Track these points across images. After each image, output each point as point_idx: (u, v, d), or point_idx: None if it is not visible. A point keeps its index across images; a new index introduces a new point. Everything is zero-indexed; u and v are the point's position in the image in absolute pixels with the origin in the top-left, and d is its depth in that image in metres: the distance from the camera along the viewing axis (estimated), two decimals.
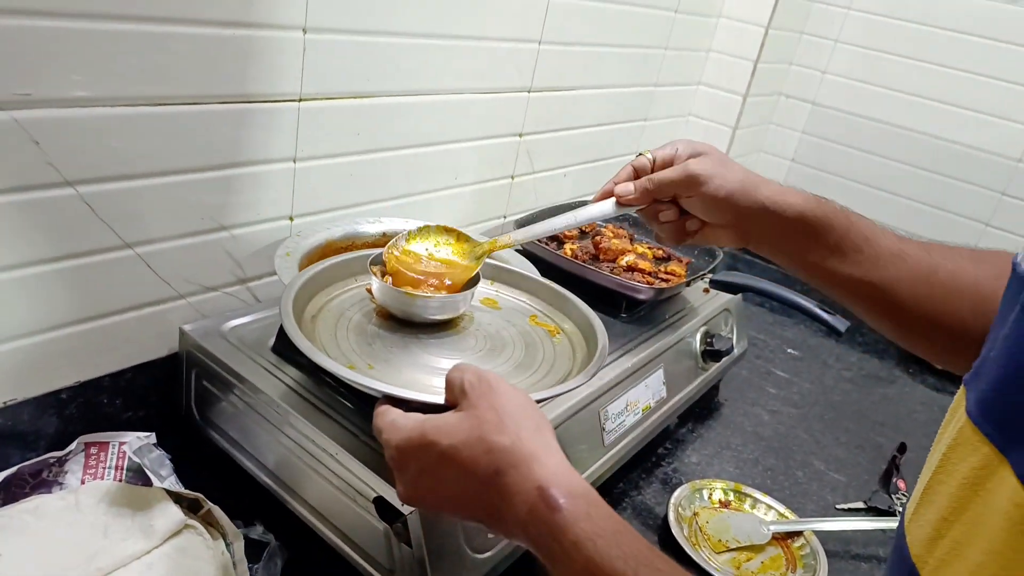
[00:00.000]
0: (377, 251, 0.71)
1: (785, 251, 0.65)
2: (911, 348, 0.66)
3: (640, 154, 0.68)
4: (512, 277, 0.80)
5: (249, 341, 0.77)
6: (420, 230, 0.73)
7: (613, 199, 0.69)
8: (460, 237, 0.74)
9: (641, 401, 0.90)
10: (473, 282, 0.69)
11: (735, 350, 1.09)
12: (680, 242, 0.71)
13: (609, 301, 1.00)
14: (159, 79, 0.66)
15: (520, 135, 1.14)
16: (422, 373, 0.62)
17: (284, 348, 0.76)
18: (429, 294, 0.67)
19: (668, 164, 0.67)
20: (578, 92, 1.23)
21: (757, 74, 1.53)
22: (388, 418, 0.51)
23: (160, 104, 0.67)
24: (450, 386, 0.51)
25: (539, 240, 1.10)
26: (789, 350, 1.39)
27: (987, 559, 0.39)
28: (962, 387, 0.46)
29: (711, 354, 1.04)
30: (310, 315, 0.66)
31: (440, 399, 0.52)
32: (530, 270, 0.85)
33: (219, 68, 0.70)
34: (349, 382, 0.56)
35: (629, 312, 1.00)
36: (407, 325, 0.67)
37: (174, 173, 0.71)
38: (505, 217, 1.21)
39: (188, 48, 0.67)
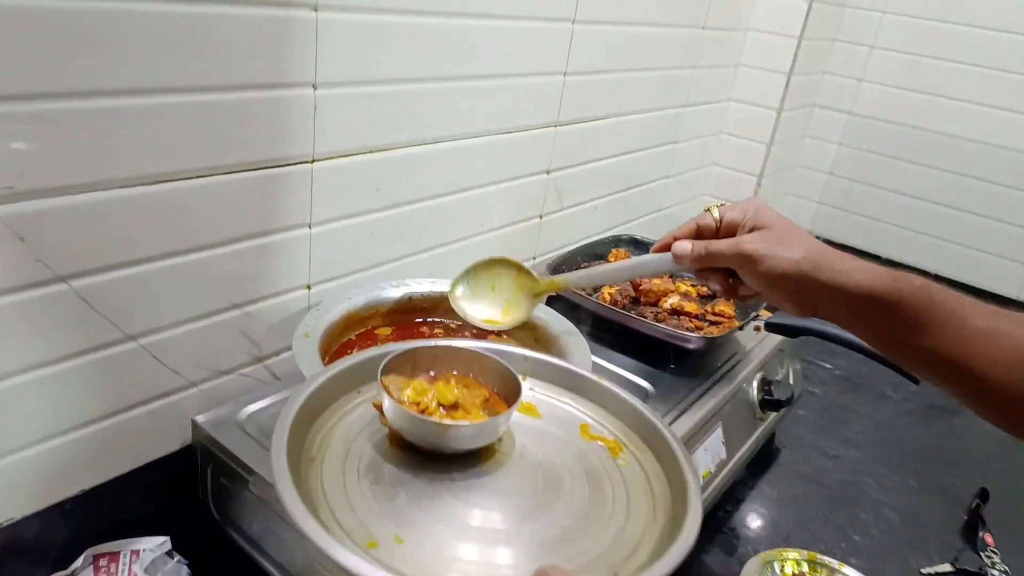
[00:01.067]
0: (383, 351, 0.57)
1: (854, 326, 0.57)
2: (1008, 431, 0.57)
3: (707, 209, 0.62)
4: (549, 371, 0.64)
5: (268, 429, 0.70)
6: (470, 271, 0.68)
7: (671, 253, 0.63)
8: (519, 270, 0.72)
9: (701, 468, 0.82)
10: (514, 395, 0.55)
11: (795, 398, 1.00)
12: (732, 298, 0.66)
13: (656, 352, 0.92)
14: (156, 154, 0.59)
15: (548, 172, 1.07)
16: (466, 542, 0.47)
17: None
18: (461, 423, 0.53)
19: (732, 230, 0.60)
20: (606, 121, 1.15)
21: (791, 86, 1.44)
22: None
23: (159, 182, 0.60)
24: None
25: (577, 290, 1.02)
26: (843, 380, 1.30)
27: None
28: None
29: (770, 404, 0.95)
30: (308, 455, 0.51)
31: None
32: (576, 350, 0.75)
33: (222, 135, 0.63)
34: None
35: (678, 363, 0.92)
36: (432, 458, 0.53)
37: (178, 254, 0.64)
38: (535, 258, 1.13)
39: (187, 118, 0.60)
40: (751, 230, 0.59)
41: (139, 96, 0.56)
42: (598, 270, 0.69)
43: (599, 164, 1.18)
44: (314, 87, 0.69)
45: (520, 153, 0.99)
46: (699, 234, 0.62)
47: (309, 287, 0.78)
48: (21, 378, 0.57)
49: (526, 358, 0.63)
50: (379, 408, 0.55)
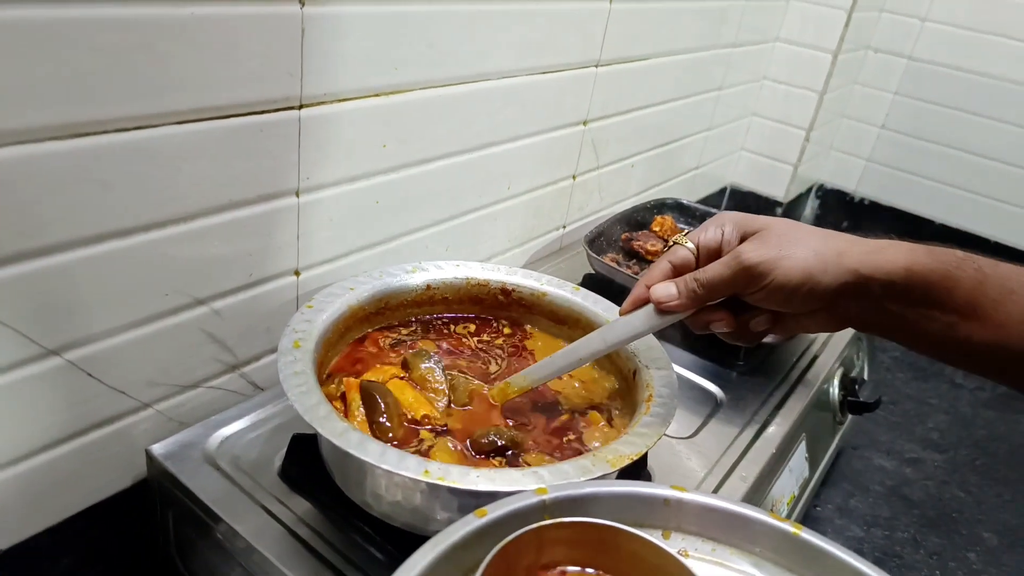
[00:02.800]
0: (495, 541, 0.34)
1: (900, 327, 0.44)
2: None
3: (674, 243, 0.48)
4: (696, 516, 0.41)
5: (246, 462, 0.54)
6: None
7: (650, 307, 0.48)
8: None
9: (786, 493, 0.67)
10: None
11: (879, 400, 0.84)
12: (749, 343, 0.49)
13: (722, 347, 0.75)
14: (71, 93, 0.40)
15: (585, 123, 0.88)
16: None
17: (299, 475, 0.52)
18: None
19: (716, 253, 0.46)
20: (651, 62, 0.96)
21: (851, 25, 1.25)
22: None
23: (78, 135, 0.42)
24: None
25: (616, 262, 0.85)
26: (910, 360, 1.15)
27: None
28: None
29: (855, 406, 0.80)
30: None
31: None
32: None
33: (168, 65, 0.44)
34: None
35: (748, 360, 0.76)
36: None
37: (112, 237, 0.46)
38: (564, 227, 0.96)
39: (112, 39, 0.41)
40: (742, 241, 0.45)
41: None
42: (552, 362, 0.52)
43: (639, 114, 1.00)
44: (302, 3, 0.50)
45: (556, 99, 0.81)
46: (677, 273, 0.47)
47: (298, 273, 0.60)
48: None
49: (667, 500, 0.40)
50: None
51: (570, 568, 0.36)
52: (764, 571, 0.39)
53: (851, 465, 0.90)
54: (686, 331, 0.77)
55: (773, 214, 1.42)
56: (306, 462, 0.52)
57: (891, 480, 0.89)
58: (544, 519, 0.36)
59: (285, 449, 0.54)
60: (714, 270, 0.45)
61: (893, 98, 1.45)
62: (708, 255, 0.47)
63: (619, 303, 0.52)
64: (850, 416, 0.83)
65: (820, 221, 1.59)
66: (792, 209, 1.49)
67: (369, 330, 0.59)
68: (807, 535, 0.39)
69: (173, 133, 0.46)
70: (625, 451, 0.45)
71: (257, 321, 0.58)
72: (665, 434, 0.48)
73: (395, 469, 0.41)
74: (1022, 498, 0.90)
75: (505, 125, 0.75)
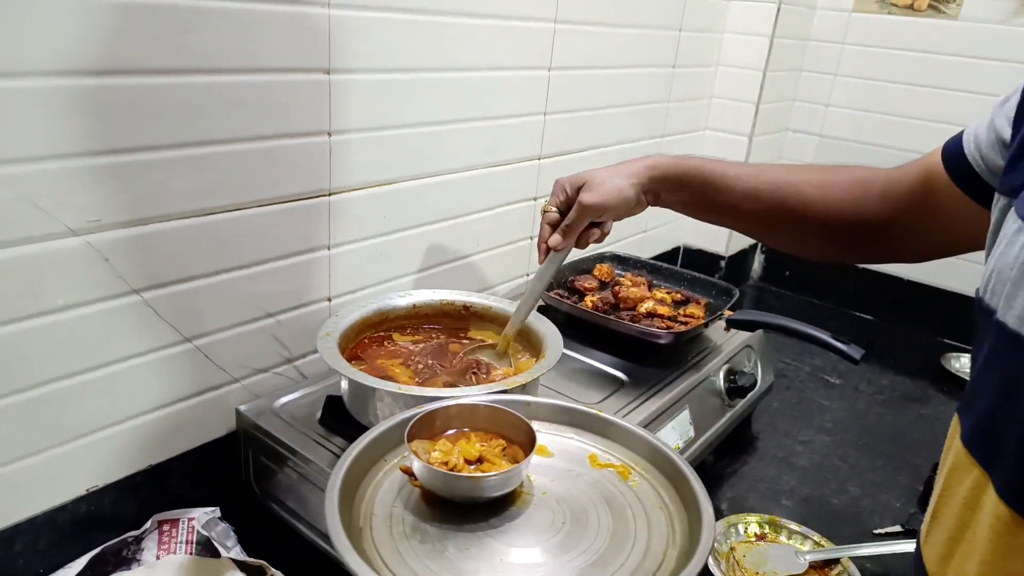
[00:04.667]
0: (402, 419, 0.63)
1: (672, 206, 0.86)
2: (779, 249, 0.87)
3: (545, 210, 0.85)
4: (551, 411, 0.71)
5: (299, 416, 0.85)
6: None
7: (552, 254, 0.86)
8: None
9: (670, 442, 0.95)
10: (529, 439, 0.62)
11: (758, 385, 1.12)
12: (605, 237, 0.90)
13: (632, 348, 1.05)
14: (203, 193, 0.75)
15: (535, 199, 1.22)
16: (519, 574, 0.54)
17: (331, 420, 0.83)
18: (491, 473, 0.59)
19: (569, 205, 0.83)
20: (586, 153, 1.30)
21: (760, 114, 1.59)
22: None
23: (207, 214, 0.76)
24: None
25: (560, 295, 1.16)
26: (819, 376, 1.41)
27: (983, 569, 0.43)
28: (956, 416, 0.51)
29: (735, 391, 1.08)
30: (357, 528, 0.57)
31: None
32: (551, 342, 0.87)
33: (254, 177, 0.79)
34: None
35: (652, 357, 1.05)
36: (468, 511, 0.59)
37: (222, 272, 0.79)
38: (528, 275, 1.28)
39: (225, 163, 0.76)
40: (578, 192, 0.82)
41: (187, 148, 0.72)
42: (523, 304, 0.88)
43: None
44: (328, 134, 0.85)
45: (508, 182, 1.15)
46: (555, 227, 0.85)
47: (329, 299, 0.93)
48: (106, 370, 0.72)
49: (529, 403, 0.71)
50: (406, 471, 0.62)
51: (452, 431, 0.66)
52: (582, 437, 0.69)
53: (753, 445, 1.17)
54: (606, 336, 1.06)
55: (718, 270, 1.72)
56: (335, 412, 0.83)
57: (783, 454, 1.15)
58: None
59: (322, 408, 0.85)
60: (571, 216, 0.82)
61: None
62: (564, 208, 0.84)
63: (563, 328, 0.89)
64: (740, 402, 1.11)
65: (766, 270, 1.89)
66: (738, 260, 1.79)
67: (374, 333, 0.91)
68: (606, 415, 0.69)
69: (258, 212, 0.80)
70: (518, 380, 0.75)
71: (304, 330, 0.90)
72: (567, 395, 0.78)
73: (380, 386, 0.72)
74: (892, 466, 1.14)
75: (470, 202, 1.09)
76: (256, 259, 0.82)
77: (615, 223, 0.87)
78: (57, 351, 0.68)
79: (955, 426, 0.50)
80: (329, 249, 0.90)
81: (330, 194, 0.87)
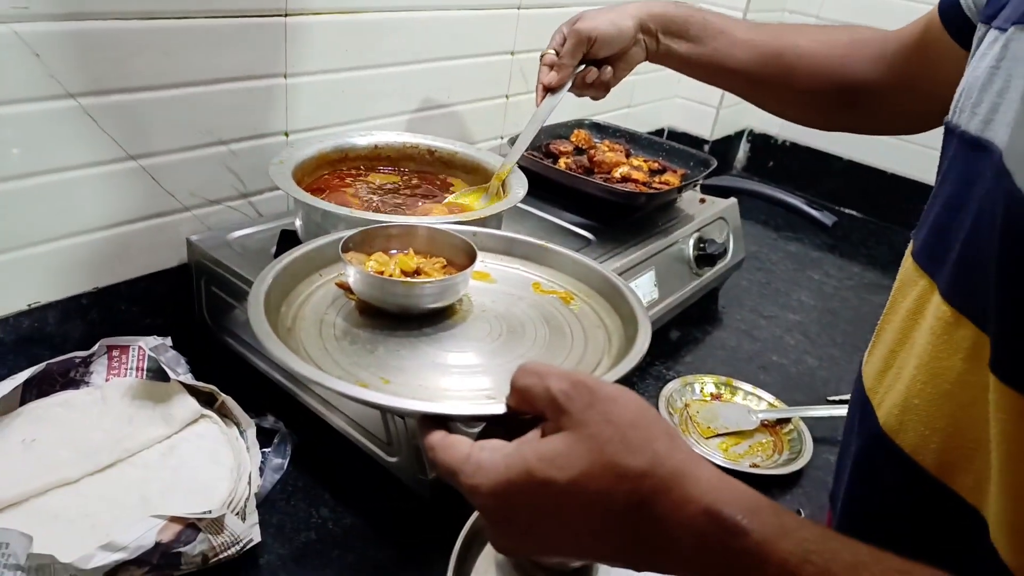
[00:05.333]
0: (343, 234, 0.60)
1: (667, 53, 0.84)
2: (772, 111, 0.87)
3: (543, 54, 0.85)
4: (496, 242, 0.69)
5: (253, 250, 0.82)
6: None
7: (549, 95, 0.86)
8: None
9: None
10: (470, 258, 0.60)
11: (729, 256, 1.11)
12: (606, 91, 0.90)
13: (602, 210, 1.02)
14: None
15: (512, 53, 1.16)
16: (448, 376, 0.52)
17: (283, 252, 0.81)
18: (427, 280, 0.57)
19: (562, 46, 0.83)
20: (569, 9, 1.23)
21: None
22: (460, 454, 0.39)
23: (150, 18, 0.70)
24: (529, 397, 0.40)
25: (533, 155, 1.13)
26: (791, 263, 1.41)
27: (917, 372, 0.43)
28: (910, 241, 0.50)
29: (704, 259, 1.06)
30: (285, 327, 0.55)
31: (499, 407, 0.42)
32: (515, 182, 0.86)
33: None
34: (378, 406, 0.45)
35: (622, 220, 1.03)
36: (402, 321, 0.57)
37: (169, 87, 0.75)
38: (502, 138, 1.23)
39: None
40: (574, 24, 0.82)
41: None
42: (520, 140, 0.88)
43: None
44: None
45: (483, 31, 1.08)
46: (552, 68, 0.85)
47: (287, 134, 0.89)
48: (44, 179, 0.69)
49: (475, 233, 0.68)
50: (342, 286, 0.60)
51: (393, 252, 0.63)
52: (527, 267, 0.68)
53: (717, 318, 1.17)
54: (576, 197, 1.04)
55: (702, 150, 1.68)
56: (290, 246, 0.80)
57: (746, 327, 1.15)
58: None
59: (276, 242, 0.83)
60: (568, 47, 0.82)
61: None
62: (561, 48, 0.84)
63: (534, 189, 0.87)
64: (708, 271, 1.10)
65: (750, 160, 1.85)
66: (722, 147, 1.75)
67: (331, 171, 0.87)
68: (549, 244, 0.68)
69: (207, 24, 0.75)
70: (478, 213, 0.73)
71: (259, 164, 0.86)
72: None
73: (332, 210, 0.69)
74: (850, 342, 1.15)
75: (442, 46, 1.03)
76: (206, 77, 0.77)
77: (609, 90, 0.89)
78: None
79: (908, 251, 0.50)
80: (286, 78, 0.85)
81: (286, 15, 0.82)
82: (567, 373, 0.39)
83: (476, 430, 0.44)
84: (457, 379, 0.52)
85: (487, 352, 0.55)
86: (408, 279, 0.57)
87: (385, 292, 0.57)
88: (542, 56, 0.84)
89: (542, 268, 0.68)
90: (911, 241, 0.50)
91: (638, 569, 0.37)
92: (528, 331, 0.58)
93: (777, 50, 0.77)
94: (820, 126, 0.83)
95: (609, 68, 0.85)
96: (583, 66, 0.86)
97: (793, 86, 0.77)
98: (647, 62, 0.87)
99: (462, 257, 0.62)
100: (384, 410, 0.57)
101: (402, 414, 0.48)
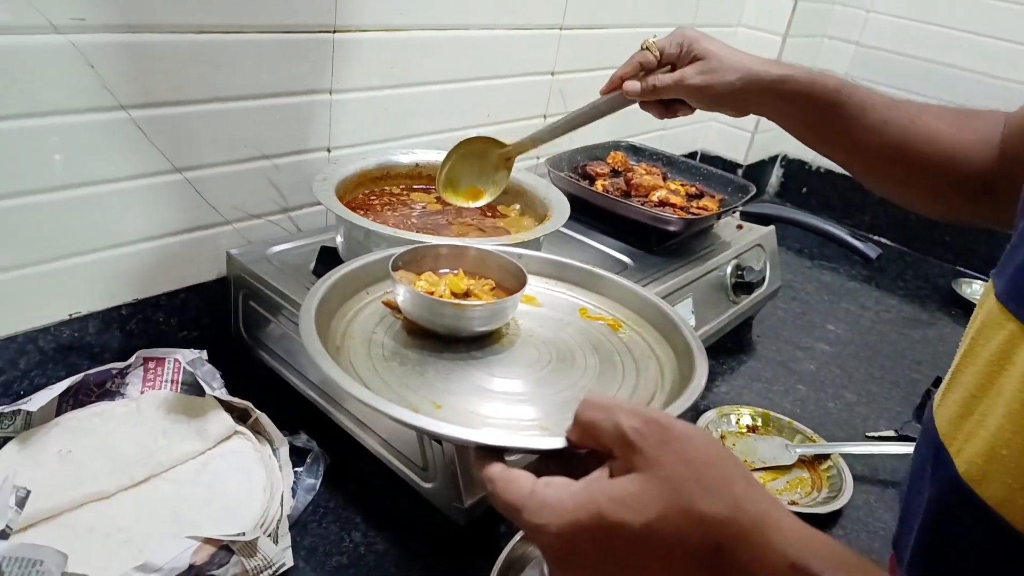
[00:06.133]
0: (393, 252, 0.59)
1: (782, 117, 0.71)
2: (881, 193, 0.76)
3: (646, 48, 0.72)
4: (543, 265, 0.68)
5: (292, 265, 0.82)
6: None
7: (619, 92, 0.74)
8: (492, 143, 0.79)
9: None
10: (519, 282, 0.59)
11: (766, 284, 1.09)
12: (670, 117, 0.78)
13: (640, 234, 1.01)
14: (201, 8, 0.69)
15: (552, 74, 1.15)
16: (495, 403, 0.51)
17: (325, 271, 0.80)
18: (478, 303, 0.56)
19: (672, 61, 0.71)
20: (610, 31, 1.23)
21: (797, 13, 1.50)
22: (523, 490, 0.37)
23: (202, 32, 0.70)
24: (595, 432, 0.38)
25: (570, 176, 1.12)
26: (828, 293, 1.38)
27: (1005, 421, 0.41)
28: (989, 280, 0.48)
29: (742, 286, 1.05)
30: (335, 346, 0.55)
31: (559, 441, 0.41)
32: (557, 206, 0.83)
33: None
34: (436, 435, 0.45)
35: (660, 245, 1.01)
36: (450, 343, 0.56)
37: (217, 100, 0.75)
38: (538, 158, 1.22)
39: None
40: (691, 60, 0.69)
41: None
42: (558, 121, 0.78)
43: (603, 73, 1.26)
44: None
45: (525, 50, 1.08)
46: (641, 70, 0.73)
47: (329, 150, 0.88)
48: (90, 189, 0.69)
49: (521, 256, 0.67)
50: (390, 305, 0.60)
51: (443, 270, 0.62)
52: (574, 292, 0.66)
53: (752, 347, 1.15)
54: (614, 220, 1.03)
55: (735, 174, 1.67)
56: (329, 263, 0.80)
57: (782, 358, 1.13)
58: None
59: (315, 258, 0.82)
60: (665, 80, 0.70)
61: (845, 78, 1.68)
62: (667, 60, 0.72)
63: (571, 212, 0.81)
64: (745, 298, 1.08)
65: (784, 185, 1.83)
66: (756, 171, 1.73)
67: (374, 188, 0.87)
68: (597, 269, 0.66)
69: (256, 39, 0.75)
70: (520, 237, 0.72)
71: (301, 179, 0.86)
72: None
73: (375, 229, 0.68)
74: (889, 378, 1.13)
75: (483, 65, 1.03)
76: (253, 92, 0.77)
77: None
78: (38, 159, 0.64)
79: (988, 289, 0.48)
80: (331, 94, 0.85)
81: (334, 31, 0.81)
82: (636, 408, 0.38)
83: (518, 459, 0.43)
84: (503, 407, 0.51)
85: (536, 380, 0.54)
86: (459, 301, 0.57)
87: (435, 313, 0.56)
88: (644, 46, 0.72)
89: (589, 294, 0.66)
90: (991, 281, 0.48)
91: None
92: (578, 359, 0.57)
93: (912, 134, 0.66)
94: (956, 215, 0.74)
95: (688, 108, 0.74)
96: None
97: (927, 171, 0.67)
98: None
99: (511, 280, 0.61)
100: (442, 439, 0.55)
101: (460, 444, 0.46)
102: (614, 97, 0.74)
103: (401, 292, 0.56)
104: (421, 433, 0.43)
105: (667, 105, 0.74)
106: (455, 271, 0.62)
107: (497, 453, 0.41)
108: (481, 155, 0.81)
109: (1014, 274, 0.44)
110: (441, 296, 0.57)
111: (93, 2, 0.62)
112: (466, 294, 0.58)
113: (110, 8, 0.63)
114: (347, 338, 0.56)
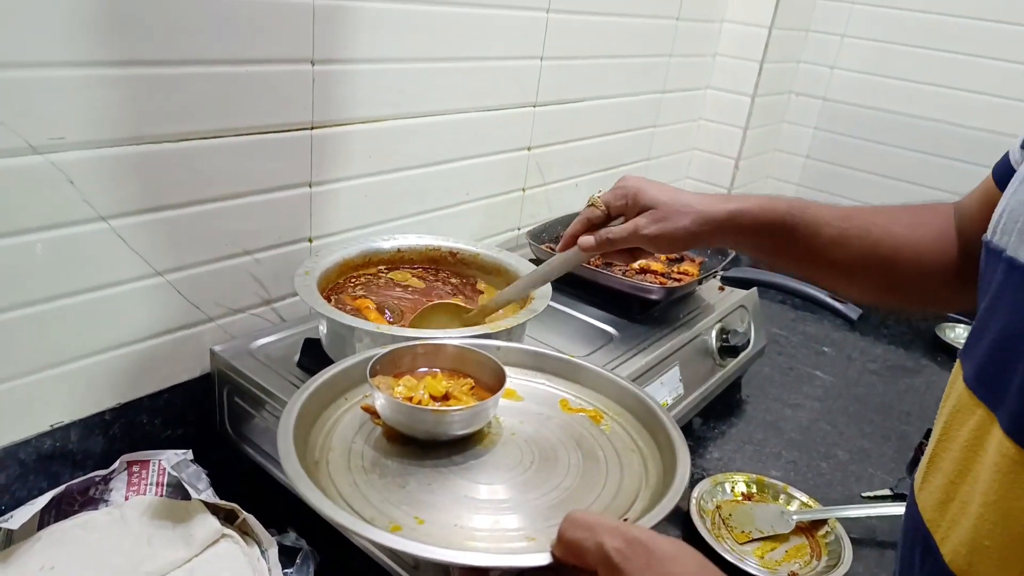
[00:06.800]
0: (371, 355, 0.59)
1: (744, 247, 0.72)
2: (848, 298, 0.78)
3: (591, 204, 0.72)
4: (521, 356, 0.68)
5: (276, 358, 0.82)
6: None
7: (575, 248, 0.73)
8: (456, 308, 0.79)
9: (659, 399, 0.92)
10: (499, 379, 0.59)
11: (751, 345, 1.10)
12: (631, 262, 0.79)
13: (622, 304, 1.02)
14: (181, 117, 0.71)
15: (529, 148, 1.18)
16: (480, 514, 0.50)
17: (309, 363, 0.80)
18: (457, 408, 0.56)
19: (621, 213, 0.71)
20: (584, 104, 1.26)
21: (764, 74, 1.54)
22: None
23: (181, 140, 0.72)
24: (579, 552, 0.39)
25: (550, 248, 1.13)
26: (812, 345, 1.39)
27: (985, 511, 0.41)
28: (958, 361, 0.49)
29: (727, 350, 1.05)
30: (314, 460, 0.54)
31: (544, 558, 0.41)
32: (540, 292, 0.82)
33: (231, 103, 0.75)
34: (419, 558, 0.45)
35: (643, 313, 1.02)
36: (431, 448, 0.56)
37: (197, 203, 0.76)
38: (519, 229, 1.24)
39: (204, 87, 0.72)
40: (640, 212, 0.69)
41: (161, 67, 0.68)
42: (518, 284, 0.78)
43: (579, 144, 1.29)
44: (312, 63, 0.80)
45: (500, 129, 1.11)
46: (592, 225, 0.72)
47: (311, 240, 0.89)
48: (71, 300, 0.69)
49: (499, 347, 0.67)
50: (369, 410, 0.59)
51: (419, 371, 0.62)
52: (553, 383, 0.66)
53: (742, 409, 1.15)
54: (597, 291, 1.04)
55: None
56: (313, 355, 0.80)
57: (771, 418, 1.13)
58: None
59: (300, 351, 0.82)
60: (618, 233, 0.69)
61: (814, 132, 1.73)
62: (616, 212, 0.71)
63: (555, 283, 0.79)
64: (731, 361, 1.08)
65: None
66: None
67: (356, 274, 0.88)
68: (577, 360, 0.66)
69: (236, 142, 0.76)
70: (503, 324, 0.72)
71: (283, 270, 0.87)
72: (554, 349, 0.73)
73: (358, 325, 0.69)
74: (881, 433, 1.13)
75: (460, 146, 1.05)
76: (233, 192, 0.78)
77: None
78: (17, 277, 0.65)
79: (956, 370, 0.49)
80: (311, 187, 0.86)
81: (312, 127, 0.83)
82: (618, 528, 0.38)
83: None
84: (488, 519, 0.50)
85: (519, 484, 0.53)
86: (438, 407, 0.56)
87: (415, 420, 0.55)
88: (591, 203, 0.72)
89: (569, 384, 0.66)
90: (959, 362, 0.49)
91: None
92: (561, 457, 0.56)
93: (871, 244, 0.67)
94: (900, 307, 0.75)
95: (645, 253, 0.73)
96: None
97: (892, 274, 0.67)
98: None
99: (490, 376, 0.61)
100: (425, 562, 0.54)
101: (444, 566, 0.46)
102: (570, 254, 0.73)
103: (380, 399, 0.56)
104: (406, 557, 0.42)
105: (630, 252, 0.73)
106: (434, 370, 0.62)
107: (483, 572, 0.40)
108: (445, 323, 0.79)
109: (982, 360, 0.45)
110: (420, 401, 0.56)
111: (73, 120, 0.63)
112: (445, 396, 0.58)
113: (90, 125, 0.65)
114: (326, 450, 0.55)
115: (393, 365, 0.61)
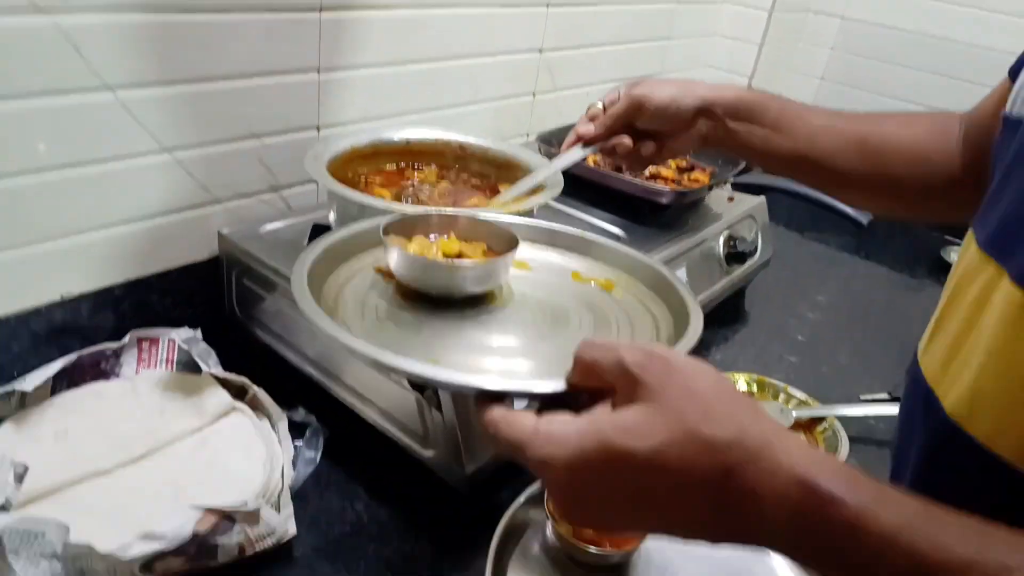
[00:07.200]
0: (378, 220, 0.59)
1: (734, 141, 0.71)
2: (851, 204, 0.81)
3: (591, 106, 0.75)
4: (534, 232, 0.68)
5: (284, 242, 0.82)
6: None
7: (580, 143, 0.75)
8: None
9: None
10: (511, 246, 0.59)
11: (758, 253, 1.10)
12: (642, 167, 0.82)
13: (632, 207, 1.01)
14: None
15: (540, 51, 1.15)
16: (499, 358, 0.51)
17: None
18: (470, 262, 0.56)
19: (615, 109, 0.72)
20: (598, 8, 1.23)
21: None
22: (526, 427, 0.38)
23: (190, 11, 0.70)
24: (598, 370, 0.38)
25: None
26: (817, 264, 1.39)
27: (988, 359, 0.42)
28: (969, 231, 0.49)
29: (734, 256, 1.05)
30: (328, 306, 0.54)
31: (560, 384, 0.41)
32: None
33: None
34: (434, 382, 0.44)
35: (652, 217, 1.02)
36: (444, 305, 0.56)
37: (205, 80, 0.74)
38: (528, 136, 1.22)
39: None
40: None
41: None
42: (522, 183, 0.77)
43: (591, 51, 1.26)
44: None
45: (512, 28, 1.08)
46: (592, 120, 0.74)
47: (318, 128, 0.88)
48: (79, 171, 0.69)
49: (512, 223, 0.66)
50: (381, 271, 0.59)
51: (434, 235, 0.62)
52: (564, 256, 0.67)
53: (745, 316, 1.15)
54: (607, 194, 1.03)
55: None
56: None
57: (773, 323, 1.14)
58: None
59: (308, 235, 0.82)
60: (614, 107, 0.71)
61: (831, 53, 1.69)
62: (608, 108, 0.73)
63: (564, 187, 0.79)
64: (738, 268, 1.08)
65: None
66: None
67: (366, 166, 0.87)
68: (589, 235, 0.67)
69: (244, 19, 0.74)
70: (512, 209, 0.72)
71: (291, 157, 0.86)
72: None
73: (367, 202, 0.68)
74: (881, 339, 1.13)
75: (470, 42, 1.02)
76: (241, 71, 0.77)
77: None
78: (26, 141, 0.64)
79: (969, 238, 0.49)
80: (319, 73, 0.85)
81: (320, 9, 0.81)
82: (638, 344, 0.38)
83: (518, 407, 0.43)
84: (503, 361, 0.51)
85: (531, 336, 0.54)
86: (452, 261, 0.56)
87: (427, 274, 0.56)
88: (589, 107, 0.75)
89: (581, 258, 0.66)
90: (971, 231, 0.49)
91: (719, 542, 0.35)
92: (572, 318, 0.57)
93: (861, 136, 0.68)
94: (907, 216, 0.75)
95: (652, 144, 0.72)
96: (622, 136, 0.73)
97: (881, 174, 0.68)
98: (712, 145, 0.74)
99: (502, 244, 0.61)
100: (440, 387, 0.55)
101: (459, 390, 0.47)
102: (574, 150, 0.75)
103: (393, 254, 0.56)
104: (420, 381, 0.43)
105: (638, 159, 0.74)
106: (446, 235, 0.62)
107: (498, 400, 0.41)
108: None
109: (997, 224, 0.45)
110: (433, 256, 0.57)
111: None
112: (458, 256, 0.58)
113: None
114: (340, 302, 0.55)
115: (406, 229, 0.61)
